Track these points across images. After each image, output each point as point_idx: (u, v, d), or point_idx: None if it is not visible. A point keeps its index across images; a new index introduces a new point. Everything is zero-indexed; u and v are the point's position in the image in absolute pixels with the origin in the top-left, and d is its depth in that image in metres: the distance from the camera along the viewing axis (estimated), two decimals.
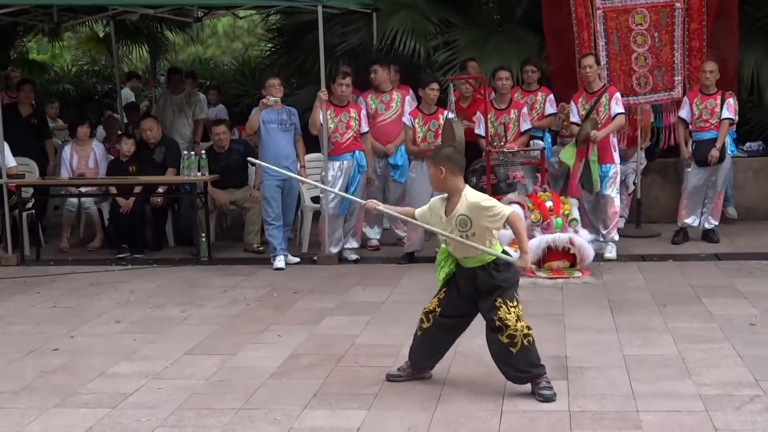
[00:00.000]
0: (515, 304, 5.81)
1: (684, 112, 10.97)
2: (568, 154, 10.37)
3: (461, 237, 5.75)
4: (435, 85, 10.32)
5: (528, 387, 5.83)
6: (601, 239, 10.36)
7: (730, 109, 10.79)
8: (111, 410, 5.68)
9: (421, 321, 6.05)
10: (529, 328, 5.80)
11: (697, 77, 11.13)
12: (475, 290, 5.85)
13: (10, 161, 11.31)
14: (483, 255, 5.78)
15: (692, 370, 6.18)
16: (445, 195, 5.91)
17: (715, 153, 10.73)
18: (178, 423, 5.43)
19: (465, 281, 5.89)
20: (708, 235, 11.13)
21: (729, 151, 11.04)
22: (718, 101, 10.79)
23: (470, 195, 5.79)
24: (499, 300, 5.77)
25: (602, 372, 6.17)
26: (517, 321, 5.77)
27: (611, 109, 10.26)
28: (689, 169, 11.04)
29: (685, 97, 11.02)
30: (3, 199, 10.98)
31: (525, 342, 5.75)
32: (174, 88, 13.70)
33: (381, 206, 6.20)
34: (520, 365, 5.77)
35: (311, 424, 5.34)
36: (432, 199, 6.04)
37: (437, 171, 5.81)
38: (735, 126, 11.41)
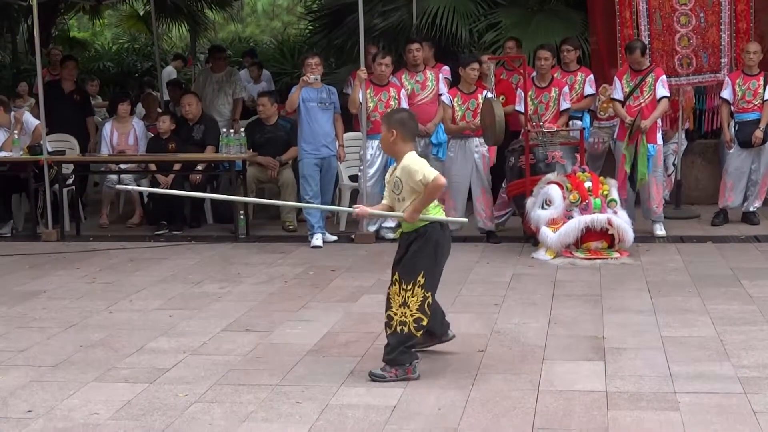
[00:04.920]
0: (410, 287, 5.67)
1: (726, 93, 10.87)
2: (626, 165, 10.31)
3: (395, 199, 5.77)
4: (476, 65, 10.25)
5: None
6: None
7: None
8: (149, 385, 5.72)
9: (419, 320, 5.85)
10: (417, 320, 5.67)
11: (744, 59, 11.00)
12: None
13: (35, 121, 11.49)
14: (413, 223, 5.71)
15: (731, 352, 6.13)
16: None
17: (759, 134, 10.65)
18: (215, 398, 5.46)
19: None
20: (748, 218, 11.04)
21: None
22: (761, 82, 10.71)
23: (406, 158, 5.70)
24: (397, 276, 5.72)
25: (640, 353, 6.14)
26: (401, 306, 5.67)
27: (657, 91, 10.18)
28: (731, 151, 10.95)
29: (727, 78, 10.93)
30: (44, 175, 11.07)
31: (398, 329, 5.68)
32: (215, 66, 13.69)
33: (370, 210, 6.18)
34: (388, 345, 5.74)
35: (348, 402, 5.35)
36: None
37: (388, 134, 5.73)
38: None
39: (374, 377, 5.69)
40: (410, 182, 5.64)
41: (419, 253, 5.70)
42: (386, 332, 5.78)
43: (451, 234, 5.96)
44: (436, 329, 6.07)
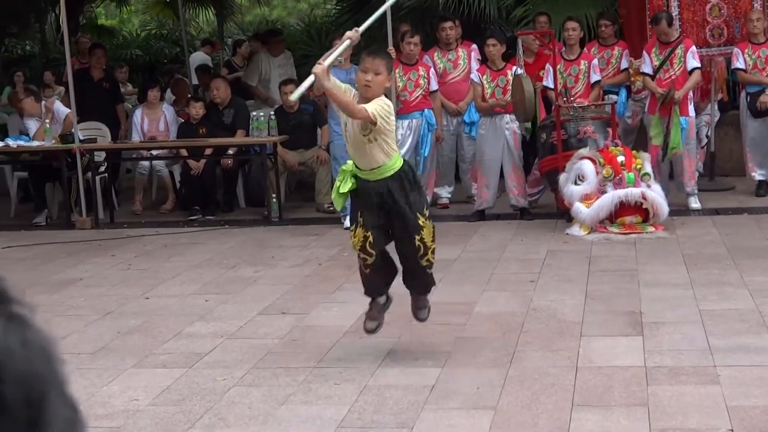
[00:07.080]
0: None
1: (740, 64, 10.72)
2: (658, 138, 10.21)
3: (365, 141, 5.63)
4: (491, 41, 10.21)
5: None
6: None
7: None
8: (187, 370, 5.75)
9: (364, 259, 5.79)
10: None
11: (748, 28, 10.85)
12: (391, 202, 5.60)
13: (65, 110, 11.61)
14: (390, 164, 5.64)
15: None
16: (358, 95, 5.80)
17: (764, 98, 10.53)
18: (253, 382, 5.48)
19: (377, 196, 5.60)
20: None
21: None
22: None
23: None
24: (422, 219, 5.66)
25: (678, 327, 6.11)
26: (432, 240, 5.76)
27: (687, 62, 10.09)
28: (747, 122, 10.87)
29: (736, 49, 10.76)
30: (77, 163, 11.12)
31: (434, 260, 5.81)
32: (273, 49, 13.61)
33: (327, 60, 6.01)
34: (429, 279, 5.91)
35: (385, 382, 5.36)
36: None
37: (385, 77, 5.88)
38: None
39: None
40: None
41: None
42: (425, 272, 5.96)
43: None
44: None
